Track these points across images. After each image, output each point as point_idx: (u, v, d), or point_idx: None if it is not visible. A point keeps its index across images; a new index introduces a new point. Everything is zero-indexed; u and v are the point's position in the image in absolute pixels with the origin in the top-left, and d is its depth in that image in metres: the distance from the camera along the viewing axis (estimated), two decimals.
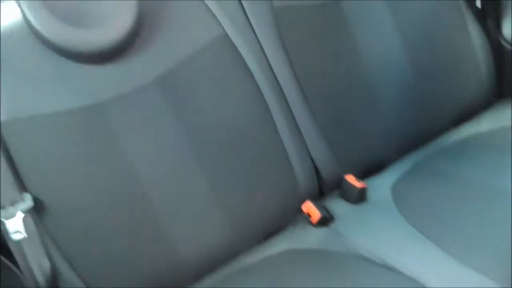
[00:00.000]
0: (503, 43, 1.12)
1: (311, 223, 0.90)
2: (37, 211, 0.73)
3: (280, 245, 0.89)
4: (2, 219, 0.70)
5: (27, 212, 0.71)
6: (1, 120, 0.72)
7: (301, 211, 0.93)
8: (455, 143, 1.07)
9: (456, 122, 1.14)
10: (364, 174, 1.01)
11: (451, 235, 0.75)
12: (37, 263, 0.72)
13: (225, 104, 0.87)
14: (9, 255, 0.72)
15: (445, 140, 1.10)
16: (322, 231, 0.88)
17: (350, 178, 0.95)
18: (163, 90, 0.81)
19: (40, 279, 0.72)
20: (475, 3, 1.15)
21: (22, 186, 0.73)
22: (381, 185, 0.96)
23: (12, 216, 0.71)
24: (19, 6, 0.72)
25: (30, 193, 0.72)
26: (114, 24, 0.75)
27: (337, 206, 0.93)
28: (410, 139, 1.09)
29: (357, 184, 0.93)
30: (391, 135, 1.05)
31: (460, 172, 0.94)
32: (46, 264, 0.73)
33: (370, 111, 1.02)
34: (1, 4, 0.75)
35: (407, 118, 1.07)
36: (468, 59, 1.11)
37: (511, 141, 0.98)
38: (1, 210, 0.71)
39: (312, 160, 0.96)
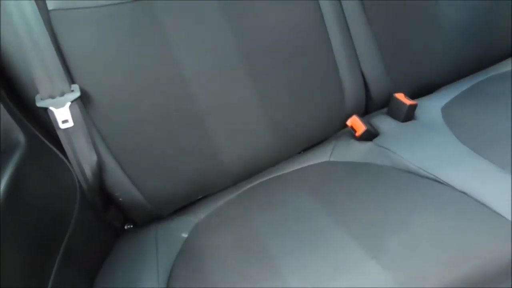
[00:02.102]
0: None
1: (354, 137, 0.88)
2: (84, 102, 0.74)
3: (320, 156, 0.88)
4: (51, 108, 0.72)
5: (74, 101, 0.72)
6: (48, 9, 0.71)
7: (345, 126, 0.91)
8: None
9: None
10: (414, 95, 0.97)
11: (505, 153, 0.71)
12: (84, 154, 0.74)
13: (279, 10, 0.82)
14: (61, 149, 0.74)
15: (505, 66, 1.03)
16: (366, 145, 0.86)
17: (400, 96, 0.90)
18: None
19: (87, 170, 0.75)
20: None
21: (71, 78, 0.73)
22: (432, 106, 0.92)
23: (61, 105, 0.72)
24: None
25: (77, 84, 0.73)
26: None
27: (384, 122, 0.90)
28: (467, 63, 1.03)
29: (407, 101, 0.88)
30: (447, 57, 1.00)
31: None
32: (93, 156, 0.75)
33: (430, 30, 0.96)
34: None
35: (467, 41, 1.01)
36: None
37: None
38: (52, 100, 0.72)
39: (362, 75, 0.92)
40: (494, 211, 0.62)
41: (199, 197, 0.88)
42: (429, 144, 0.79)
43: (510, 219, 0.60)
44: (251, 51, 0.81)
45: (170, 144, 0.79)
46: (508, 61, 1.05)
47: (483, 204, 0.64)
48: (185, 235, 0.80)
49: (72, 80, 0.73)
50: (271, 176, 0.87)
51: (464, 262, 0.57)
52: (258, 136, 0.84)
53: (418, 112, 0.91)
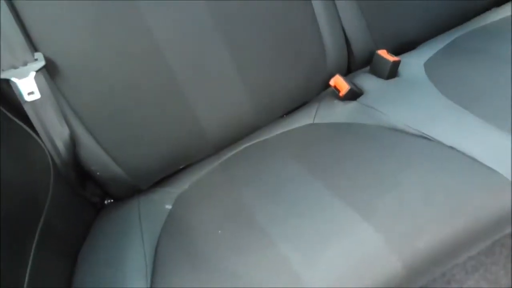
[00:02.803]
0: None
1: (338, 97, 0.86)
2: (50, 72, 0.68)
3: (304, 119, 0.86)
4: (14, 79, 0.66)
5: (39, 71, 0.66)
6: None
7: (328, 86, 0.88)
8: (499, 21, 0.98)
9: (498, 1, 1.05)
10: (396, 51, 0.94)
11: (490, 105, 0.70)
12: (55, 128, 0.70)
13: None
14: (30, 124, 0.69)
15: (484, 19, 1.01)
16: (350, 105, 0.84)
17: (383, 53, 0.88)
18: None
19: (60, 145, 0.71)
20: None
21: (33, 46, 0.67)
22: (414, 61, 0.90)
23: (24, 76, 0.67)
24: None
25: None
26: None
27: (367, 81, 0.87)
28: (448, 17, 1.01)
29: (390, 58, 0.86)
30: (428, 11, 0.97)
31: (499, 49, 0.86)
32: (65, 129, 0.70)
33: None
34: None
35: None
36: None
37: None
38: (14, 71, 0.66)
39: (344, 32, 0.89)
40: (483, 164, 0.61)
41: (181, 167, 0.85)
42: (414, 100, 0.78)
43: (498, 171, 0.60)
44: (226, 13, 0.76)
45: (146, 114, 0.75)
46: (485, 15, 1.03)
47: (471, 158, 0.63)
48: (169, 206, 0.77)
49: (35, 49, 0.67)
50: (254, 142, 0.84)
51: (456, 216, 0.56)
52: (238, 100, 0.81)
53: (401, 68, 0.88)
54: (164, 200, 0.78)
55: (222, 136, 0.83)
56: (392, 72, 0.86)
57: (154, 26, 0.72)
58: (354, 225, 0.57)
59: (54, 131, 0.70)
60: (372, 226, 0.56)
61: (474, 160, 0.62)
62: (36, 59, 0.67)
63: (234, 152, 0.84)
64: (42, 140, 0.70)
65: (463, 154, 0.64)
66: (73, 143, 0.72)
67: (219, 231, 0.65)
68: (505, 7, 1.03)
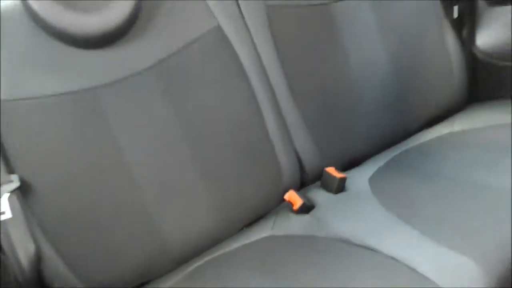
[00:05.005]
0: (476, 52, 1.20)
1: (292, 211, 0.93)
2: (23, 192, 0.73)
3: (262, 232, 0.92)
4: None
5: (12, 192, 0.71)
6: None
7: (283, 200, 0.96)
8: (429, 141, 1.13)
9: (430, 122, 1.20)
10: (343, 167, 1.05)
11: (426, 218, 0.80)
12: (21, 244, 0.72)
13: (216, 95, 0.89)
14: None
15: (420, 138, 1.15)
16: (303, 218, 0.91)
17: (331, 170, 0.98)
18: (157, 78, 0.82)
19: (24, 261, 0.72)
20: (452, 11, 1.21)
21: (10, 167, 0.72)
22: (359, 177, 1.00)
23: None
24: None
25: (17, 174, 0.72)
26: (113, 10, 0.77)
27: (318, 195, 0.96)
28: (387, 136, 1.14)
29: (337, 174, 0.96)
30: (370, 132, 1.11)
31: (433, 166, 0.99)
32: (31, 246, 0.72)
33: (352, 108, 1.07)
34: None
35: (386, 117, 1.13)
36: (443, 64, 1.19)
37: (482, 140, 1.06)
38: None
39: (296, 153, 0.99)
40: (420, 273, 0.68)
41: (144, 281, 0.86)
42: (358, 213, 0.87)
43: (434, 280, 0.66)
44: (194, 135, 0.85)
45: (112, 230, 0.79)
46: (419, 135, 1.17)
47: (409, 267, 0.70)
48: None
49: (11, 170, 0.72)
50: (216, 254, 0.88)
51: None
52: (201, 216, 0.87)
53: (348, 183, 0.98)
54: None
55: (185, 250, 0.87)
56: (340, 187, 0.96)
57: (125, 148, 0.79)
58: None
59: (20, 248, 0.71)
60: None
61: (412, 269, 0.69)
62: (11, 181, 0.71)
63: (197, 264, 0.87)
64: (7, 258, 0.72)
65: (402, 264, 0.71)
66: (38, 260, 0.73)
67: None
68: (435, 127, 1.18)
